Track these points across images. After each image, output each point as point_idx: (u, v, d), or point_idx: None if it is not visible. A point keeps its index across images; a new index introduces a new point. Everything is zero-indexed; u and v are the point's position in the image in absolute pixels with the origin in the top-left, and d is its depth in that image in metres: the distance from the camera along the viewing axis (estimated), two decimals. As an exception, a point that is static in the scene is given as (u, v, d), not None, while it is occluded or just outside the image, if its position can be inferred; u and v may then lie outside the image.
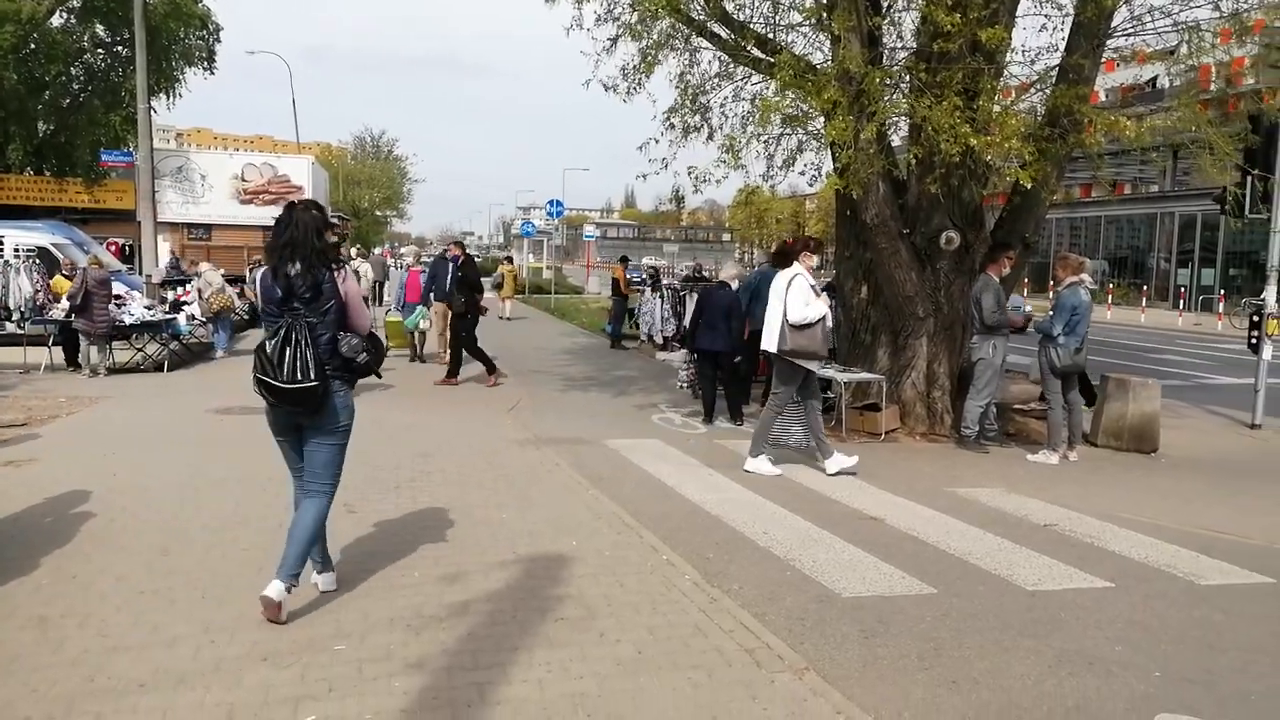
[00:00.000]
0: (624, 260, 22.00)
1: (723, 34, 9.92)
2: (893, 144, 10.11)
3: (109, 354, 13.29)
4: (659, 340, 18.07)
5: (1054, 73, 9.35)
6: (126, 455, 7.89)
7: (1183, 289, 35.40)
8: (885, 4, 9.45)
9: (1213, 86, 11.29)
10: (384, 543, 5.60)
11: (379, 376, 4.93)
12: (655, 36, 9.02)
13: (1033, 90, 9.31)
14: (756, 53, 9.75)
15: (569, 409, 11.25)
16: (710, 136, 10.00)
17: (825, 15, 7.51)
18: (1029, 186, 7.73)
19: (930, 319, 9.93)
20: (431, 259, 16.61)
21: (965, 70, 7.50)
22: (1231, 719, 3.78)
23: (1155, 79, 21.23)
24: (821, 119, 8.69)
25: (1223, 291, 32.05)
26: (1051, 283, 32.92)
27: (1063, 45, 9.21)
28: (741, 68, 9.58)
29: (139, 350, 14.01)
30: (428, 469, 7.63)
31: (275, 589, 4.31)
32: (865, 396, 10.34)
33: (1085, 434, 9.74)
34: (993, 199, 11.33)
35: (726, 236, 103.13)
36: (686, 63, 9.87)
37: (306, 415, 4.44)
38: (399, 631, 4.28)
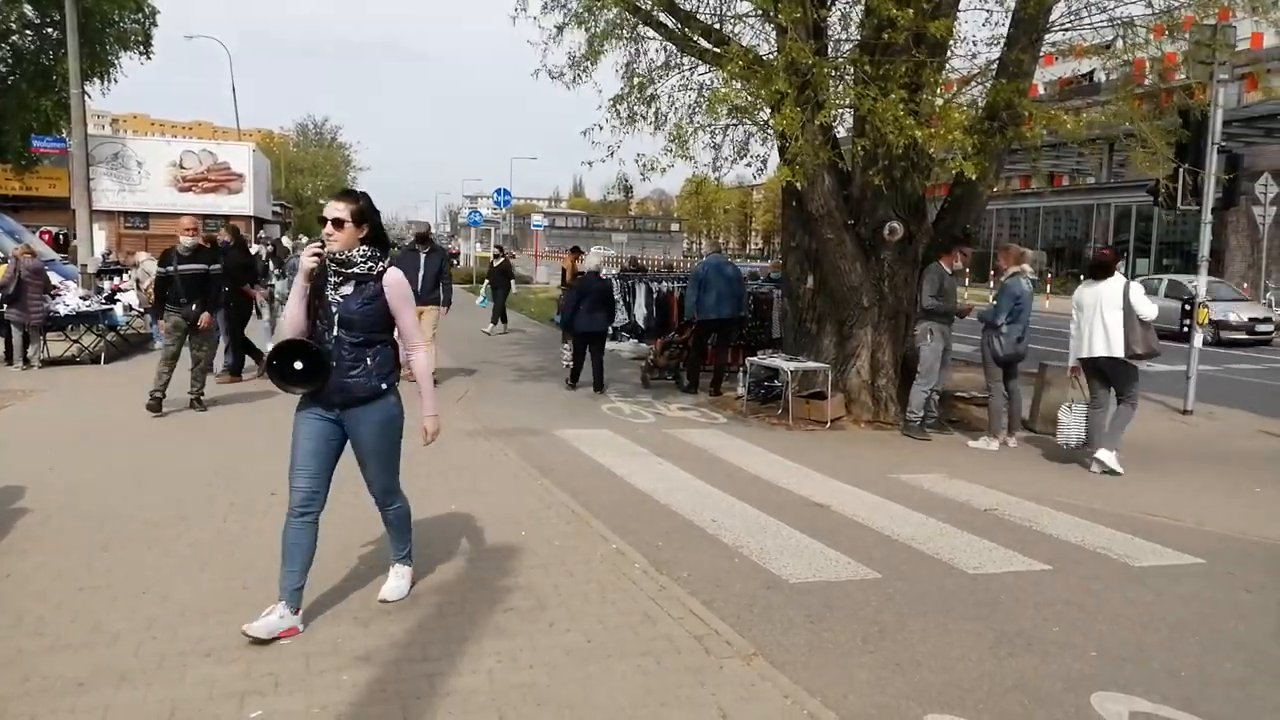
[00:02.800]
0: (575, 250, 21.89)
1: (669, 24, 9.94)
2: (837, 136, 10.23)
3: (43, 346, 12.93)
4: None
5: (994, 67, 9.54)
6: (63, 449, 7.70)
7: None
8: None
9: (1147, 81, 11.57)
10: (329, 535, 5.52)
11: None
12: (603, 25, 8.99)
13: (973, 84, 9.47)
14: (703, 43, 9.80)
15: (519, 399, 11.22)
16: (657, 126, 10.02)
17: (774, 7, 7.55)
18: (973, 178, 7.88)
19: (874, 308, 10.08)
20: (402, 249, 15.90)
21: (910, 63, 7.60)
22: (1162, 695, 3.91)
23: (1092, 73, 21.72)
24: (768, 110, 8.76)
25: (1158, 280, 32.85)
26: (992, 272, 33.68)
27: (1003, 40, 9.39)
28: (688, 58, 9.61)
29: (74, 342, 13.65)
30: (375, 461, 7.56)
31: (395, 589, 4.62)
32: (811, 385, 10.46)
33: (1024, 420, 9.96)
34: (934, 190, 11.52)
35: (675, 226, 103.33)
36: (633, 52, 9.88)
37: None
38: (345, 624, 4.25)
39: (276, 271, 14.83)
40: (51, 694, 3.52)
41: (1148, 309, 8.14)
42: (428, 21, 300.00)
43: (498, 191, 32.42)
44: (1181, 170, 11.04)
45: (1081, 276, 9.39)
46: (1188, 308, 11.99)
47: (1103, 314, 8.12)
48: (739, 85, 7.46)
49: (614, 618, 4.40)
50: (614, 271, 21.76)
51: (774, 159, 10.13)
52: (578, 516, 6.09)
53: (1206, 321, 11.77)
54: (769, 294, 13.76)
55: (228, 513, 5.98)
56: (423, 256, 11.46)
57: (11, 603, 4.40)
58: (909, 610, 4.75)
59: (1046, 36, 9.40)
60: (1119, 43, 9.51)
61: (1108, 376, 8.33)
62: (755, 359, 10.77)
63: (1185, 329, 11.85)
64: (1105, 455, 8.15)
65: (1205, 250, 11.91)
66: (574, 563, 5.17)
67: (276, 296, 13.94)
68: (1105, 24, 9.57)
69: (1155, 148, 9.09)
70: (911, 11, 7.18)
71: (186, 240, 9.69)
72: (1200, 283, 11.94)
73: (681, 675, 3.81)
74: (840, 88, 7.57)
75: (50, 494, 6.27)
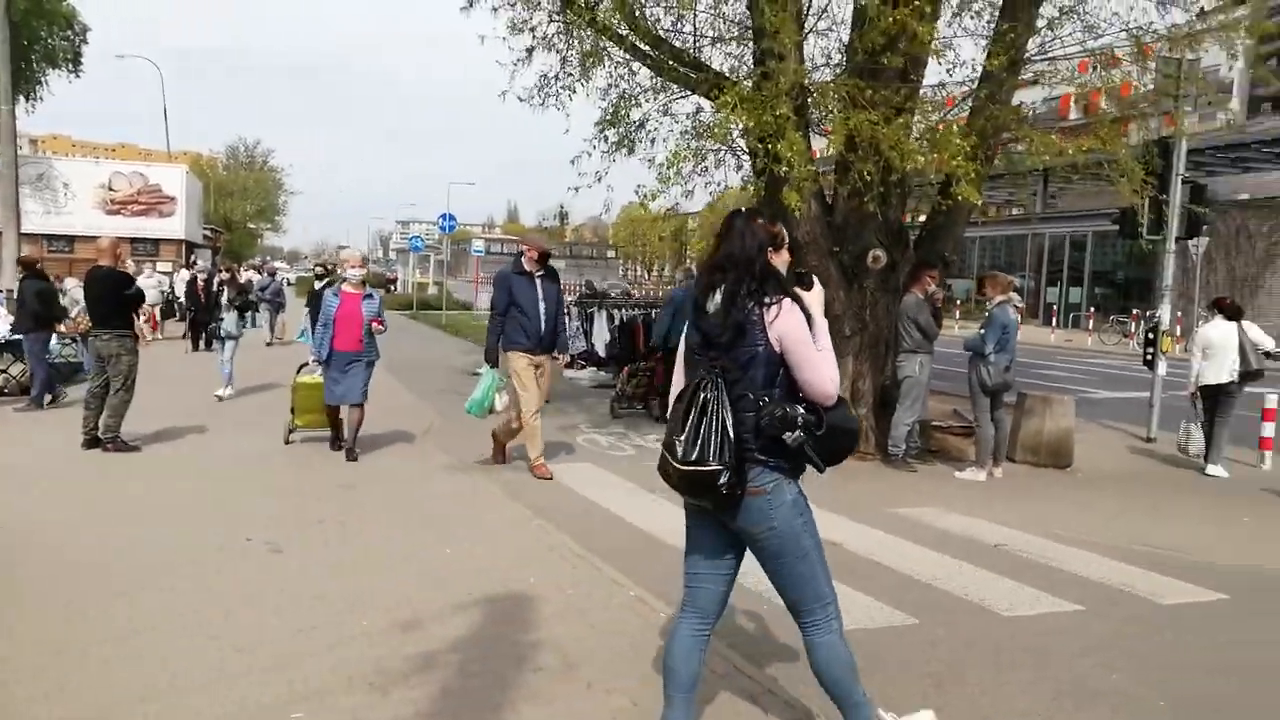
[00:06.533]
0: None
1: (646, 49, 9.73)
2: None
3: (-32, 377, 12.11)
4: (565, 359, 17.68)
5: (973, 93, 9.51)
6: None
7: (1054, 307, 37.10)
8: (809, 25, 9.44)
9: (1103, 103, 11.73)
10: (324, 586, 5.10)
11: (820, 471, 3.16)
12: (585, 48, 8.73)
13: (956, 109, 9.44)
14: (682, 69, 9.61)
15: (487, 431, 10.78)
16: (630, 151, 9.78)
17: (773, 30, 7.39)
18: (978, 203, 7.79)
19: (856, 337, 9.91)
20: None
21: (907, 89, 7.49)
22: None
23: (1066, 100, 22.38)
24: (759, 137, 8.59)
25: (1091, 309, 33.71)
26: (959, 301, 34.04)
27: (981, 66, 9.38)
28: (669, 83, 9.41)
29: (2, 371, 12.82)
30: (356, 501, 7.11)
31: None
32: (791, 416, 10.24)
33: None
34: (907, 216, 11.47)
35: (611, 253, 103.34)
36: (610, 76, 9.64)
37: (720, 511, 3.14)
38: (362, 693, 3.83)
39: (238, 303, 13.77)
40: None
41: (1266, 340, 9.87)
42: (357, 49, 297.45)
43: (442, 216, 31.84)
44: (1147, 201, 11.15)
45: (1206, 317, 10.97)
46: (1151, 336, 12.10)
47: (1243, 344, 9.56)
48: (738, 110, 7.22)
49: (654, 677, 4.04)
50: (571, 299, 21.42)
51: (732, 180, 10.04)
52: (584, 560, 5.74)
53: (1170, 350, 11.87)
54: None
55: (171, 559, 5.48)
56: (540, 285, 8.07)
57: (-27, 674, 3.89)
58: (957, 660, 4.49)
59: (1026, 66, 9.42)
60: (1093, 74, 9.57)
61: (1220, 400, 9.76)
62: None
63: (1149, 358, 11.94)
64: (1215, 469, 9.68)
65: (1168, 279, 12.06)
66: (594, 612, 4.82)
67: (225, 332, 13.11)
68: (1080, 54, 9.63)
69: (1134, 177, 9.12)
70: (918, 23, 7.06)
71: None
72: (1164, 312, 12.07)
73: (746, 742, 3.49)
74: (841, 112, 7.40)
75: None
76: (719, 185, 9.34)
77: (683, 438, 2.98)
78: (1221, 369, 9.64)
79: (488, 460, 8.71)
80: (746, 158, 9.66)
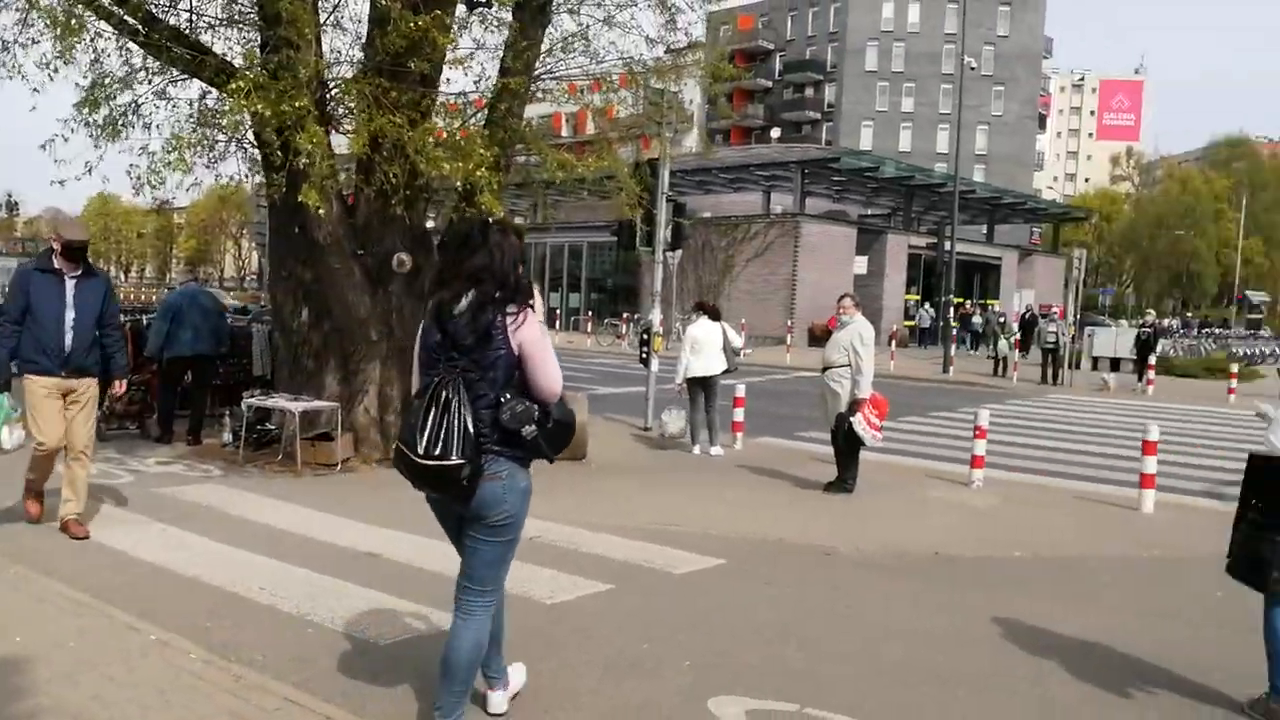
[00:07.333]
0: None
1: (138, 26, 8.65)
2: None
3: None
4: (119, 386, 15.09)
5: (488, 104, 9.84)
6: None
7: (556, 311, 39.96)
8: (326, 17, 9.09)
9: (591, 123, 12.86)
10: None
11: (550, 460, 3.55)
12: (58, 18, 7.49)
13: (474, 119, 9.70)
14: (181, 50, 8.69)
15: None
16: (115, 136, 8.64)
17: (289, 18, 6.92)
18: (500, 213, 8.02)
19: (383, 342, 9.75)
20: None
21: (431, 95, 7.50)
22: (759, 690, 4.27)
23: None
24: (263, 127, 8.04)
25: (589, 313, 36.87)
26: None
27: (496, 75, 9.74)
28: (168, 65, 8.46)
29: None
30: None
31: None
32: (315, 426, 9.78)
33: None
34: (435, 221, 11.57)
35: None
36: (93, 51, 8.41)
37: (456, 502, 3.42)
38: None
39: None
40: None
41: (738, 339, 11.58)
42: None
43: None
44: (640, 215, 12.43)
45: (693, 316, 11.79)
46: (645, 337, 13.52)
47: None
48: (253, 98, 6.67)
49: (194, 726, 3.61)
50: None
51: (230, 171, 9.45)
52: (86, 606, 4.91)
53: (661, 349, 13.39)
54: (248, 328, 12.61)
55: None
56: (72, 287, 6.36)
57: None
58: (513, 654, 4.59)
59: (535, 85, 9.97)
60: (599, 95, 10.44)
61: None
62: (252, 400, 9.76)
63: (644, 357, 13.32)
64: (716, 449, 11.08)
65: (657, 286, 13.58)
66: (108, 665, 4.15)
67: None
68: (582, 77, 10.44)
69: (631, 193, 10.10)
70: (440, 37, 7.10)
71: None
72: (655, 315, 13.57)
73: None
74: (364, 111, 7.18)
75: None
76: (232, 179, 8.61)
77: (424, 435, 3.25)
78: (708, 362, 11.03)
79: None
80: (257, 150, 9.05)
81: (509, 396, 3.37)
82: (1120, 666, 4.80)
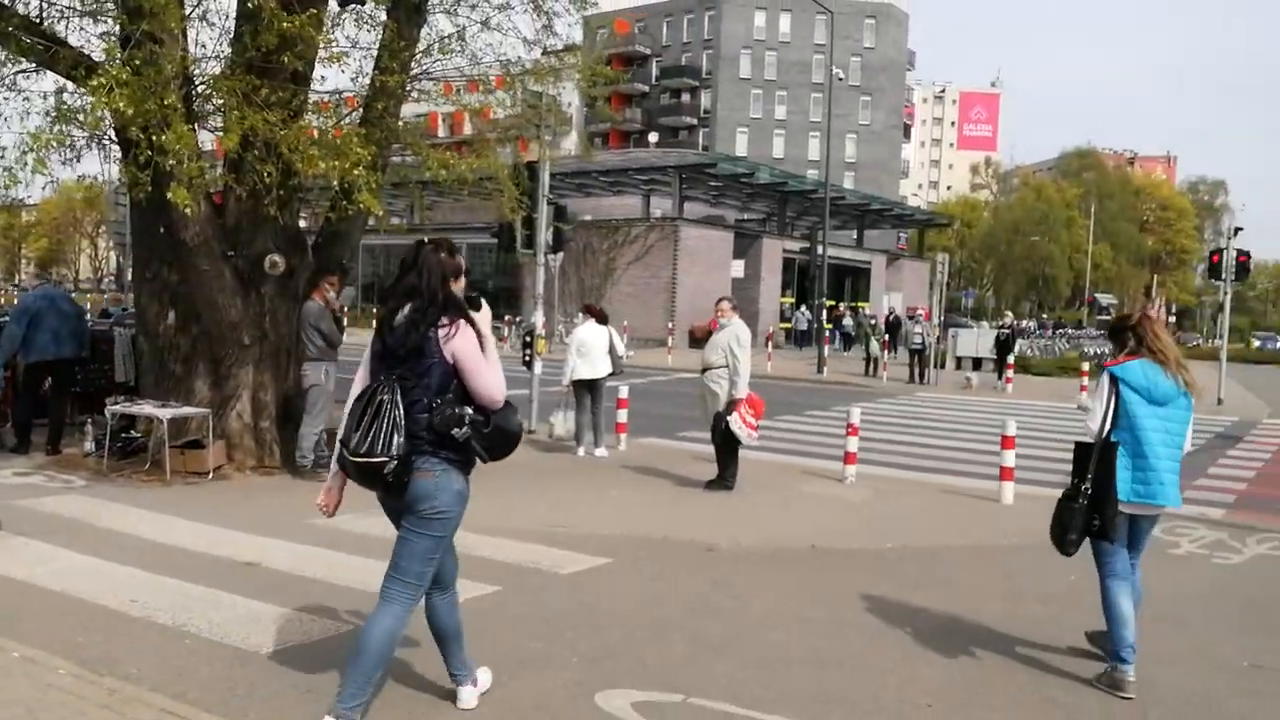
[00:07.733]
0: None
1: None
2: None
3: None
4: None
5: (364, 103, 9.69)
6: None
7: (435, 314, 39.34)
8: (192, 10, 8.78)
9: (467, 123, 12.80)
10: None
11: (484, 461, 3.73)
12: None
13: (350, 117, 9.53)
14: (33, 40, 8.26)
15: None
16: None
17: (153, 10, 6.65)
18: (379, 212, 7.90)
19: (256, 346, 9.47)
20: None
21: (304, 93, 7.34)
22: (644, 682, 4.38)
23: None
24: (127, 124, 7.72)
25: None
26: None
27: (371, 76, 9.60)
28: (18, 56, 8.03)
29: None
30: None
31: None
32: (184, 433, 9.42)
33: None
34: (309, 222, 11.28)
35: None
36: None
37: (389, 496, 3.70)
38: None
39: None
40: None
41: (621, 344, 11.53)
42: None
43: None
44: (520, 218, 12.42)
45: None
46: (528, 340, 13.51)
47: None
48: (115, 94, 6.37)
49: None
50: None
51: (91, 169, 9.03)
52: (-62, 628, 4.65)
53: (545, 352, 13.41)
54: (109, 332, 12.02)
55: None
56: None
57: None
58: (399, 656, 4.57)
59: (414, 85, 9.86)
60: (471, 98, 10.40)
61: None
62: (117, 407, 9.32)
63: (527, 360, 13.31)
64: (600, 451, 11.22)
65: (539, 289, 13.58)
66: (-34, 688, 3.94)
67: None
68: (460, 78, 10.39)
69: (510, 195, 10.10)
70: (314, 35, 6.96)
71: None
72: (538, 318, 13.58)
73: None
74: (235, 109, 6.96)
75: None
76: (95, 179, 8.22)
77: (357, 434, 3.53)
78: (595, 365, 11.10)
79: None
80: (117, 148, 8.69)
81: (440, 402, 3.59)
82: (983, 646, 5.11)
